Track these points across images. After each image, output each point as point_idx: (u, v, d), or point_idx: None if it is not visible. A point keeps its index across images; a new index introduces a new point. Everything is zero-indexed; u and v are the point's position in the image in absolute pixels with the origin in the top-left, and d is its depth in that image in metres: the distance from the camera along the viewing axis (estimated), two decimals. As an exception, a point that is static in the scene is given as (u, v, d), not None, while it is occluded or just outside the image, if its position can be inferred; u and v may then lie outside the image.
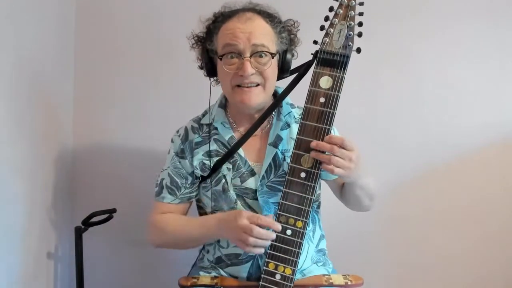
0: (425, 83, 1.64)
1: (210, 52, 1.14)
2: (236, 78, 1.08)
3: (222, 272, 1.19)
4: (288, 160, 1.09)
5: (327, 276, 1.13)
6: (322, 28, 0.97)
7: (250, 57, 1.05)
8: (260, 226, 0.99)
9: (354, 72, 1.57)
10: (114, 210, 1.45)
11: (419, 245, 1.68)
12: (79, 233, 1.43)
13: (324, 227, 1.32)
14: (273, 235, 1.00)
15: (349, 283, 1.11)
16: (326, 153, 0.97)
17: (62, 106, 1.63)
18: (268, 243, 1.00)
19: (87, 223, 1.41)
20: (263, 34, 1.06)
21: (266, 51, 1.06)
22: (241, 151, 1.15)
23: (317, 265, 1.22)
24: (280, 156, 1.14)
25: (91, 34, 1.66)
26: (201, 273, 1.20)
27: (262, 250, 1.01)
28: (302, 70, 1.07)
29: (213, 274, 1.18)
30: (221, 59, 1.09)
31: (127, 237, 1.69)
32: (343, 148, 0.97)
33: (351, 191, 1.14)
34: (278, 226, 0.99)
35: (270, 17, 1.10)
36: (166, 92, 1.66)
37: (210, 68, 1.16)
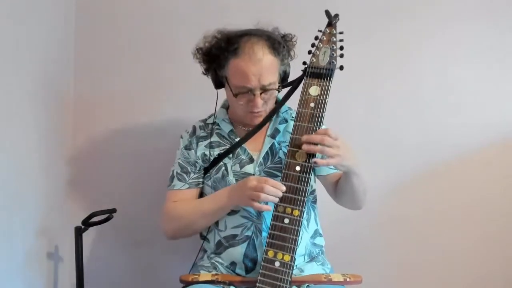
0: (425, 83, 1.64)
1: (220, 77, 1.24)
2: (247, 107, 1.21)
3: (221, 269, 1.22)
4: (284, 150, 1.24)
5: (326, 274, 1.17)
6: (309, 52, 1.15)
7: (260, 93, 1.19)
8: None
9: (355, 73, 1.59)
10: (114, 210, 1.45)
11: (419, 245, 1.67)
12: (79, 233, 1.42)
13: (324, 227, 1.32)
14: (281, 193, 1.08)
15: (348, 279, 1.14)
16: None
17: (62, 106, 1.63)
18: (277, 199, 1.08)
19: (87, 223, 1.41)
20: (271, 73, 1.19)
21: (273, 88, 1.20)
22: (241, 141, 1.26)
23: (316, 263, 1.24)
24: (277, 146, 1.27)
25: (91, 34, 1.66)
26: (201, 271, 1.22)
27: (270, 208, 1.10)
28: (295, 83, 1.21)
29: (213, 272, 1.20)
30: (236, 96, 1.20)
31: (127, 237, 1.69)
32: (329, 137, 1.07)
33: (348, 181, 1.20)
34: (283, 187, 1.08)
35: (274, 47, 1.20)
36: (166, 92, 1.66)
37: (217, 82, 1.27)
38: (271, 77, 1.19)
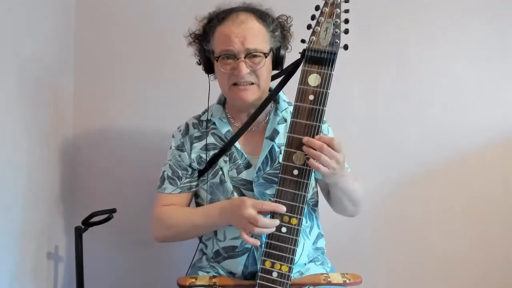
0: (425, 83, 1.64)
1: (207, 52, 1.18)
2: (232, 77, 1.12)
3: (220, 271, 1.21)
4: None
5: (325, 275, 1.14)
6: (309, 27, 1.00)
7: (245, 58, 1.09)
8: (264, 212, 1.02)
9: (355, 72, 1.60)
10: (114, 210, 1.45)
11: (419, 245, 1.67)
12: (79, 233, 1.42)
13: (324, 227, 1.32)
14: (277, 222, 1.01)
15: (347, 281, 1.11)
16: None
17: (61, 106, 1.63)
18: (273, 230, 1.01)
19: (87, 223, 1.41)
20: (256, 37, 1.10)
21: (259, 52, 1.10)
22: (237, 144, 1.19)
23: (315, 264, 1.23)
24: (276, 149, 1.17)
25: (91, 32, 1.66)
26: (200, 272, 1.21)
27: (258, 242, 1.03)
28: (291, 68, 1.10)
29: (212, 273, 1.19)
30: (217, 60, 1.13)
31: (127, 237, 1.69)
32: (331, 148, 0.99)
33: (332, 192, 1.17)
34: (283, 208, 1.00)
35: (262, 17, 1.13)
36: (167, 91, 1.66)
37: (207, 65, 1.20)
38: (258, 43, 1.09)
